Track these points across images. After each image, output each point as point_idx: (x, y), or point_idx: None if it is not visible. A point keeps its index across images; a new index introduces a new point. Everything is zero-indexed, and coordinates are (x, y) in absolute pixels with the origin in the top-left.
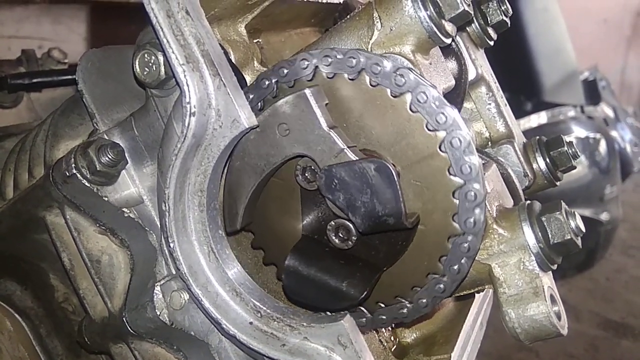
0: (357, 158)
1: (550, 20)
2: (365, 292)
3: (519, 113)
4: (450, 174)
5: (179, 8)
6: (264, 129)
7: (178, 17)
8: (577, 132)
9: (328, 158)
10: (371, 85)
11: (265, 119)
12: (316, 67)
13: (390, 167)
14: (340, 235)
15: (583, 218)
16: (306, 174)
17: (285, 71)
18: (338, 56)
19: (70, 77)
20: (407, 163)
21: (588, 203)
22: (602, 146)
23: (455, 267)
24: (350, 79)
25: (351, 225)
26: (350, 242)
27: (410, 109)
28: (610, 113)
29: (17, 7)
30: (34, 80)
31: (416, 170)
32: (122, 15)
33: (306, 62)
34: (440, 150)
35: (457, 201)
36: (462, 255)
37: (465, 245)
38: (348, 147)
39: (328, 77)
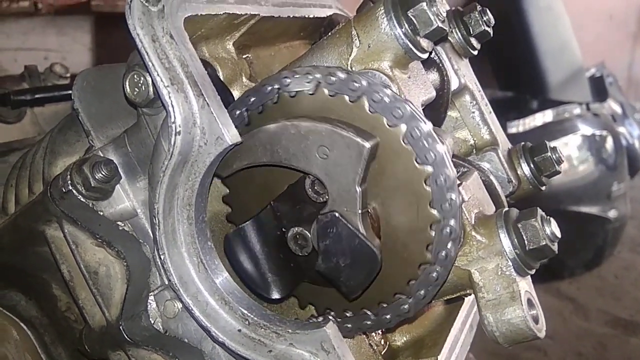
0: (363, 231)
1: (555, 18)
2: (281, 296)
3: (525, 112)
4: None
5: (164, 33)
6: (307, 136)
7: (163, 41)
8: (583, 129)
9: (339, 204)
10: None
11: (315, 130)
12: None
13: (379, 267)
14: (298, 241)
15: (591, 216)
16: (315, 186)
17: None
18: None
19: (70, 92)
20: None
21: (595, 201)
22: (609, 143)
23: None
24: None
25: (312, 244)
26: (300, 253)
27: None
28: (617, 109)
29: (22, 19)
30: (37, 96)
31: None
32: (124, 25)
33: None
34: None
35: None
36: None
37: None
38: (362, 212)
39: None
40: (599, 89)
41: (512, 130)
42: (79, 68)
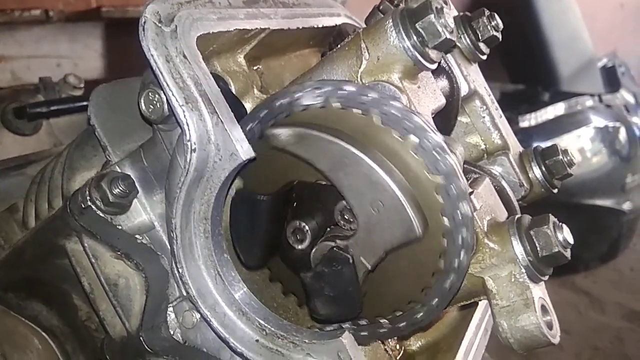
0: (360, 285)
1: (565, 8)
2: (254, 266)
3: (536, 104)
4: None
5: (177, 52)
6: (373, 184)
7: (176, 61)
8: (596, 121)
9: (358, 249)
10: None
11: (383, 185)
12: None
13: (353, 317)
14: (297, 235)
15: (605, 209)
16: (345, 215)
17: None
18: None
19: (85, 103)
20: None
21: (609, 193)
22: (622, 134)
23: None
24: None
25: (307, 245)
26: (293, 244)
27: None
28: (630, 99)
29: (34, 27)
30: (52, 108)
31: None
32: (134, 31)
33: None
34: None
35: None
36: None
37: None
38: (370, 269)
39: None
40: (611, 79)
41: (524, 124)
42: (91, 74)
